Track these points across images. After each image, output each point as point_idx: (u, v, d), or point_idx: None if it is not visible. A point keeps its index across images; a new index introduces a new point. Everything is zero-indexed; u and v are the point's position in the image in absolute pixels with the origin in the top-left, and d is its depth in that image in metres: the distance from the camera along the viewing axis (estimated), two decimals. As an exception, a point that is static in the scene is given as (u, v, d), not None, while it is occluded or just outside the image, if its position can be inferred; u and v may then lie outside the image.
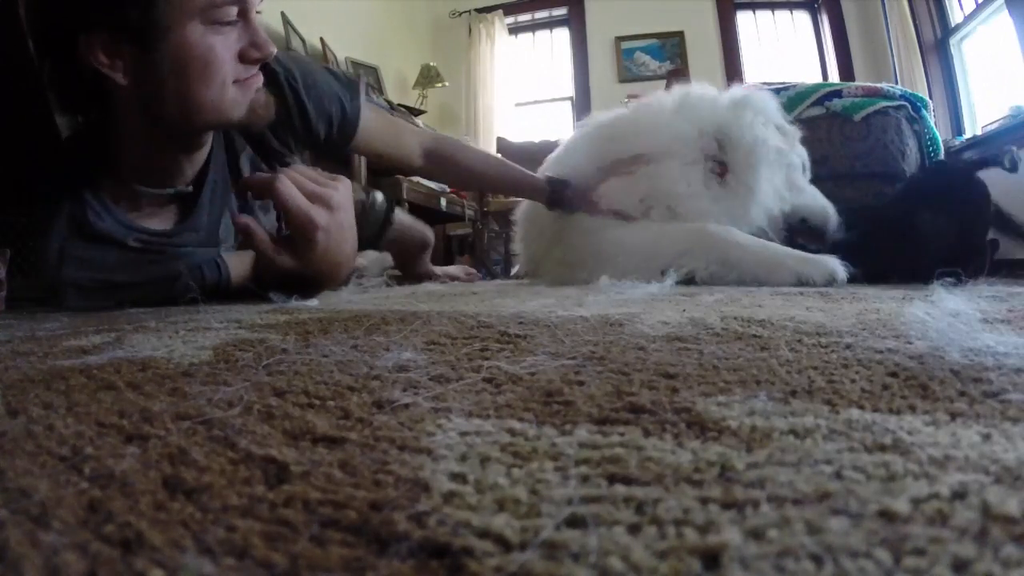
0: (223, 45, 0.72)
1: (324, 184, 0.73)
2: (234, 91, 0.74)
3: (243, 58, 0.74)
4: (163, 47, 0.69)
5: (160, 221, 0.85)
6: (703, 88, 1.22)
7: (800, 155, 1.21)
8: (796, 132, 1.21)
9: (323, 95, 0.93)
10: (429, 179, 1.20)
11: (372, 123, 1.01)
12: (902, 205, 1.23)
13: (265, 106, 0.81)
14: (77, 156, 0.79)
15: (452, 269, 1.64)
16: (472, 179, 1.24)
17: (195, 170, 0.84)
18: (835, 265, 0.95)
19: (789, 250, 1.01)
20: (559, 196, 1.18)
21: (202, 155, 0.84)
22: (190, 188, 0.84)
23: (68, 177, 0.78)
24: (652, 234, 1.05)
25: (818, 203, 1.19)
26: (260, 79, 0.79)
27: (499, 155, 1.50)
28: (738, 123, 1.11)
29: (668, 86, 1.27)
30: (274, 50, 0.77)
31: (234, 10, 0.71)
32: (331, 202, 0.72)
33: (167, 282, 0.78)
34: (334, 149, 1.00)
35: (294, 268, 0.73)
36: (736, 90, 1.20)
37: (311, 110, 0.91)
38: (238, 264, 0.83)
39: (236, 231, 0.73)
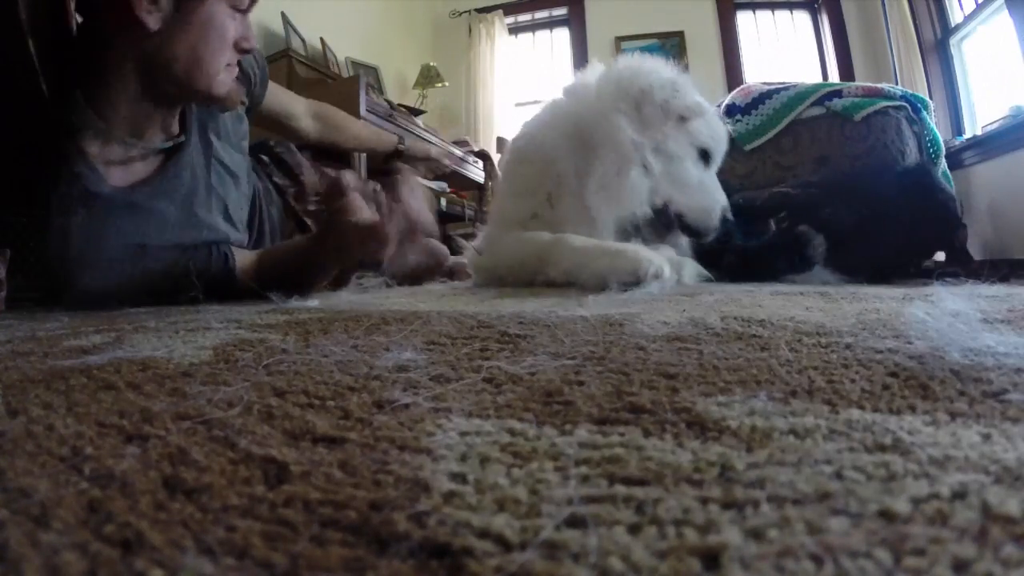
0: (232, 28, 0.81)
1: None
2: (225, 71, 0.83)
3: (235, 46, 0.83)
4: (198, 9, 0.77)
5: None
6: (582, 83, 1.14)
7: (696, 139, 1.07)
8: (698, 109, 1.07)
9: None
10: (310, 141, 1.35)
11: (274, 85, 1.16)
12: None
13: (237, 92, 0.89)
14: (63, 123, 0.80)
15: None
16: (349, 139, 1.40)
17: (176, 126, 0.89)
18: (643, 262, 0.82)
19: (607, 248, 0.91)
20: (396, 152, 1.45)
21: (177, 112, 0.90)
22: (182, 138, 0.88)
23: (58, 149, 0.79)
24: (519, 243, 1.02)
25: (697, 202, 1.07)
26: (237, 70, 0.88)
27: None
28: (598, 126, 1.03)
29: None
30: (256, 46, 0.87)
31: (247, 1, 0.82)
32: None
33: (175, 265, 0.81)
34: (254, 105, 1.09)
35: (313, 251, 0.83)
36: (609, 74, 1.10)
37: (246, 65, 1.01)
38: (243, 260, 0.86)
39: (332, 182, 0.79)
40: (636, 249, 0.86)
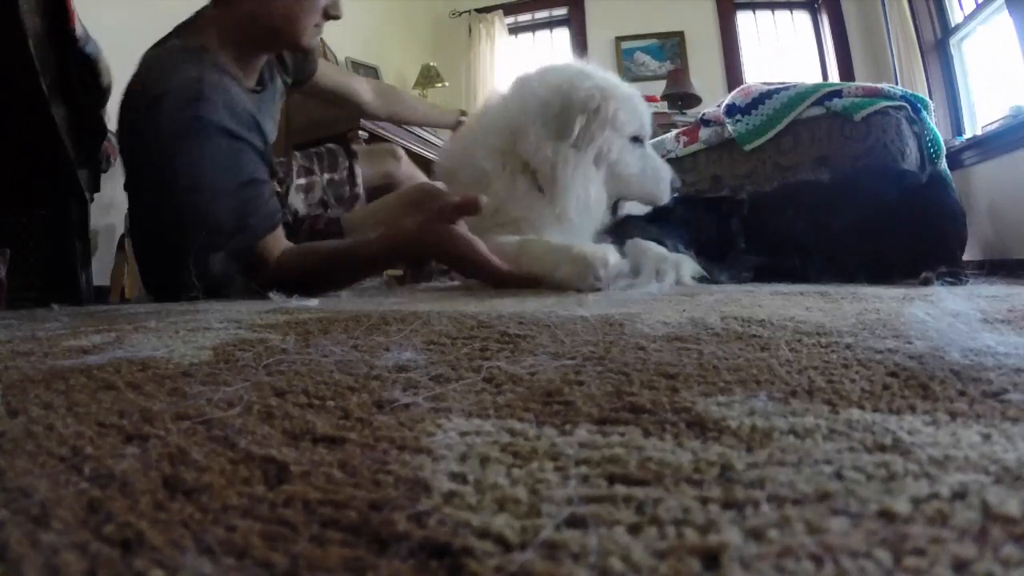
0: None
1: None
2: (313, 29, 1.04)
3: (324, 11, 1.04)
4: None
5: None
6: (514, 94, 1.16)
7: (624, 131, 1.10)
8: (601, 93, 1.07)
9: None
10: (378, 115, 1.54)
11: (323, 63, 1.33)
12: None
13: (315, 48, 1.12)
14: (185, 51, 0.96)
15: None
16: (410, 114, 1.58)
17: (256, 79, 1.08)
18: (599, 262, 0.82)
19: (565, 255, 0.89)
20: (458, 124, 1.58)
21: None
22: (260, 88, 1.08)
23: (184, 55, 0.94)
24: (493, 246, 1.00)
25: (646, 188, 1.15)
26: (323, 30, 1.09)
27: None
28: (528, 147, 1.07)
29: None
30: (343, 14, 1.08)
31: None
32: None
33: (256, 165, 0.94)
34: (302, 79, 1.26)
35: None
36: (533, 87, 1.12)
37: None
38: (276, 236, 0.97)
39: (469, 199, 0.88)
40: (582, 249, 0.87)
